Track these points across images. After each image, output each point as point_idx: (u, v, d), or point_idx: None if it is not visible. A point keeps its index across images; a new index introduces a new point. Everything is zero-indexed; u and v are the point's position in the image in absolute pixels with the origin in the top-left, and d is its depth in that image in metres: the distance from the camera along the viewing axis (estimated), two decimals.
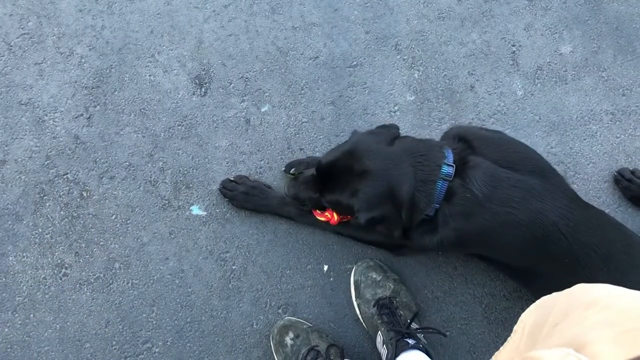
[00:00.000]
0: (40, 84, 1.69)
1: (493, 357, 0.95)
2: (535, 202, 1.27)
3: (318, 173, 1.37)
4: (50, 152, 1.64)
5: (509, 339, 0.93)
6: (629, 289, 0.64)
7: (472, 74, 1.81)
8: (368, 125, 1.72)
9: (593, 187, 1.72)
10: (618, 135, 1.77)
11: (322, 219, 1.53)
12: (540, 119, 1.77)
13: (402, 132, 1.73)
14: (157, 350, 1.53)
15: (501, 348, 0.93)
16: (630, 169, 1.71)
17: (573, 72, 1.83)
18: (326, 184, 1.36)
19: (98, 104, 1.69)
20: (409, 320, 1.47)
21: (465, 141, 1.36)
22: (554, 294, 0.76)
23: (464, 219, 1.28)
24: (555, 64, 1.84)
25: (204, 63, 1.75)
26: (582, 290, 0.69)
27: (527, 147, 1.42)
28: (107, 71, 1.72)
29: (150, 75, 1.73)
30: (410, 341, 1.43)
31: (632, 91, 1.82)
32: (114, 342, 1.53)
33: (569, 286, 0.72)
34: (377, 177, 1.27)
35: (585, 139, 1.76)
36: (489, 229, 1.29)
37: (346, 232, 1.61)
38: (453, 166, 1.28)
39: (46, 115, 1.67)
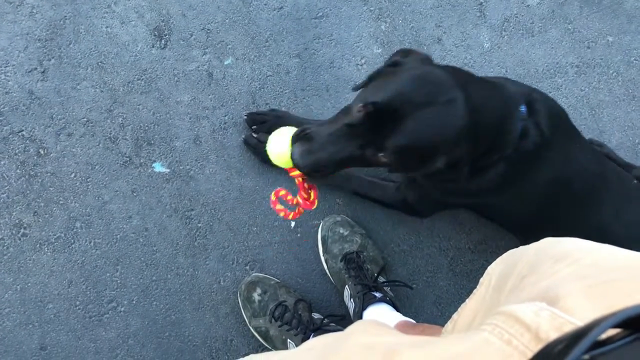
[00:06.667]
0: None
1: (459, 308, 0.96)
2: (582, 155, 1.30)
3: (375, 115, 1.05)
4: (3, 108, 1.57)
5: (474, 291, 0.94)
6: (598, 243, 0.64)
7: (439, 26, 1.78)
8: (334, 79, 1.69)
9: None
10: (582, 88, 1.78)
11: (300, 200, 1.23)
12: (506, 71, 1.77)
13: None
14: (122, 309, 1.51)
15: (467, 300, 0.94)
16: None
17: (540, 24, 1.82)
18: (386, 126, 1.05)
19: (52, 57, 1.61)
20: (375, 274, 1.49)
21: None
22: (521, 247, 0.77)
23: (530, 164, 1.23)
24: (522, 15, 1.82)
25: (163, 14, 1.68)
26: (550, 244, 0.69)
27: None
28: (61, 22, 1.64)
29: (106, 27, 1.65)
30: (377, 294, 1.44)
31: (597, 44, 1.82)
32: (77, 302, 1.50)
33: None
34: (468, 109, 1.06)
35: (550, 92, 1.76)
36: (544, 178, 1.26)
37: (362, 192, 1.57)
38: (525, 106, 1.20)
39: None
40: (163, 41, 1.66)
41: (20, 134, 1.56)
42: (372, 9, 1.76)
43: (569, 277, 0.56)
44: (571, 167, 1.29)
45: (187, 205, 1.58)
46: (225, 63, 1.67)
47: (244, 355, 1.23)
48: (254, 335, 1.51)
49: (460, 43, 1.77)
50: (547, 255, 0.64)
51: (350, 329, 0.69)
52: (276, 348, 1.46)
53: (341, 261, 1.50)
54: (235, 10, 1.71)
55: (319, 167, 1.10)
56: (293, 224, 1.60)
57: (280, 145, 1.14)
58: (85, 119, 1.59)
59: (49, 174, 1.55)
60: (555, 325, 0.48)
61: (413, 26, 1.77)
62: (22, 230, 1.52)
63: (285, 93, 1.67)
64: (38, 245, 1.51)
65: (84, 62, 1.62)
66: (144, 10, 1.67)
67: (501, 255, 0.84)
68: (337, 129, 1.09)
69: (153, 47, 1.65)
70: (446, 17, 1.79)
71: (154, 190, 1.57)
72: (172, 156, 1.60)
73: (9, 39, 1.60)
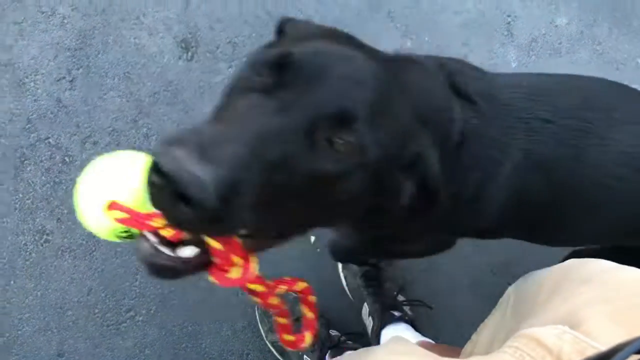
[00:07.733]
0: (20, 44, 1.63)
1: (478, 328, 0.94)
2: None
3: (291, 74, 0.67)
4: (32, 115, 1.59)
5: (493, 311, 0.93)
6: (623, 266, 0.62)
7: (465, 44, 1.77)
8: None
9: None
10: None
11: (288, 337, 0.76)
12: None
13: None
14: (140, 318, 1.52)
15: (486, 320, 0.93)
16: None
17: (568, 45, 1.80)
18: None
19: (81, 67, 1.64)
20: (395, 293, 1.47)
21: None
22: (545, 268, 0.75)
23: None
24: (550, 35, 1.80)
25: (190, 26, 1.69)
26: (575, 265, 0.67)
27: None
28: (91, 33, 1.66)
29: (135, 38, 1.67)
30: (396, 313, 1.43)
31: (626, 66, 1.80)
32: (96, 310, 1.51)
33: None
34: None
35: None
36: None
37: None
38: None
39: (27, 77, 1.61)
40: (190, 53, 1.67)
41: (46, 141, 1.58)
42: (398, 25, 1.76)
43: (593, 301, 0.54)
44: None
45: None
46: None
47: None
48: (270, 350, 1.50)
49: (487, 62, 1.76)
50: (571, 277, 0.62)
51: (379, 346, 0.69)
52: None
53: (360, 278, 1.49)
54: (262, 25, 1.72)
55: (239, 186, 0.53)
56: (313, 239, 1.59)
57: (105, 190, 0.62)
58: (110, 128, 1.60)
59: (73, 181, 1.56)
60: (577, 349, 0.47)
61: (439, 44, 1.76)
62: (44, 237, 1.53)
63: None
64: (60, 252, 1.53)
65: (111, 72, 1.64)
66: (172, 22, 1.69)
67: (523, 275, 0.82)
68: (243, 103, 0.62)
69: (180, 59, 1.67)
70: (473, 35, 1.78)
71: None
72: None
73: (40, 48, 1.63)
